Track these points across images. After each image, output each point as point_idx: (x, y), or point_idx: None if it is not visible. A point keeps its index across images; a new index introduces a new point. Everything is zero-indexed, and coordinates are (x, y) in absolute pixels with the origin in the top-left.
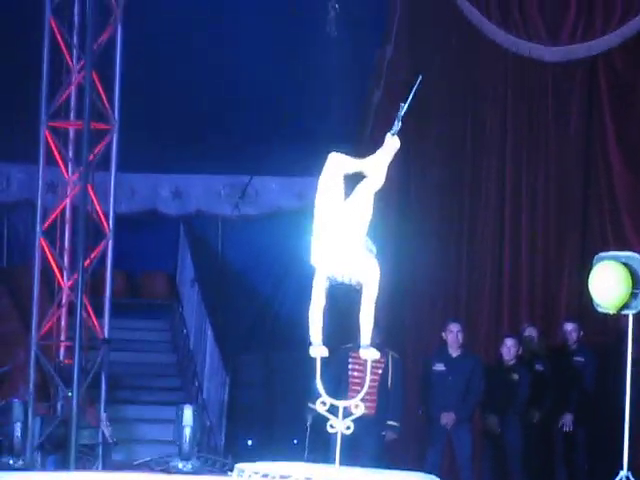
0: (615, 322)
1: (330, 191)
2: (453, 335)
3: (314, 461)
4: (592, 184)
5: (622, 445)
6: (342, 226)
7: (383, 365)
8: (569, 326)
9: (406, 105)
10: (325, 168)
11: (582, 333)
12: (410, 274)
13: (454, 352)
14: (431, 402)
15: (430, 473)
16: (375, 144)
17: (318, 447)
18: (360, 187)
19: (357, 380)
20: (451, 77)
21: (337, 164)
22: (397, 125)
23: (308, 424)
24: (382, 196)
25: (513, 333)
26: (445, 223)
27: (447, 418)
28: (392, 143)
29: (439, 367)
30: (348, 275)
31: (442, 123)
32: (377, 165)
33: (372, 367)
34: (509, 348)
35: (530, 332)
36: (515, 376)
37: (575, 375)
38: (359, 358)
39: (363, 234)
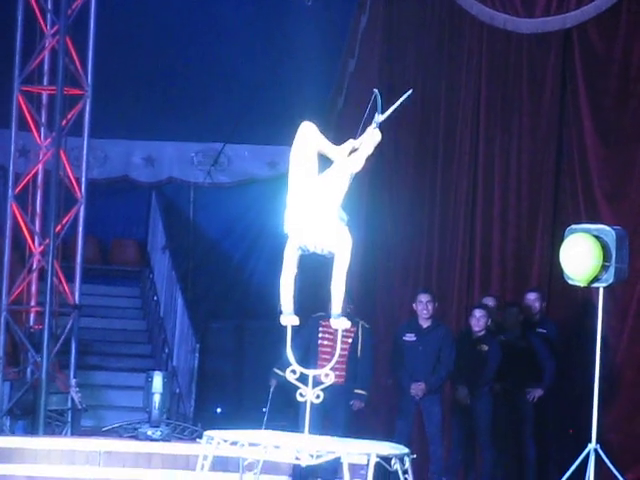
0: (585, 295)
1: (303, 160)
2: (423, 305)
3: (283, 428)
4: (565, 156)
5: (590, 419)
6: (315, 196)
7: (353, 334)
8: (532, 296)
9: (391, 110)
10: (297, 137)
11: (545, 304)
12: (382, 244)
13: (424, 323)
14: (401, 372)
15: (399, 443)
16: (348, 113)
17: (287, 414)
18: (337, 165)
19: (327, 349)
20: (426, 48)
21: (309, 134)
22: (379, 117)
23: (271, 389)
24: (353, 183)
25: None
26: (417, 194)
27: (417, 389)
28: (374, 137)
29: (409, 337)
30: (320, 245)
31: (416, 95)
32: (356, 155)
33: (342, 336)
34: (478, 319)
35: (486, 302)
36: (484, 347)
37: (538, 346)
38: (329, 327)
39: (337, 205)
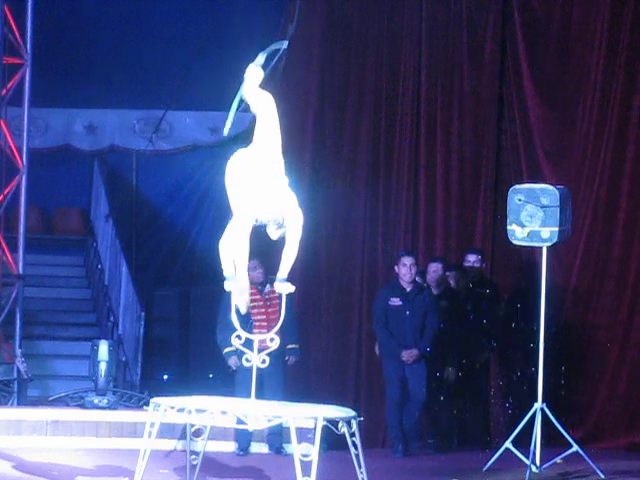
0: (529, 254)
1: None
2: (407, 268)
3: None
4: (506, 117)
5: (536, 377)
6: (261, 172)
7: (278, 296)
8: (472, 257)
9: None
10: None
11: (484, 265)
12: (325, 207)
13: (407, 286)
14: (387, 338)
15: (391, 409)
16: (289, 77)
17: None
18: (259, 135)
19: (258, 316)
20: (365, 10)
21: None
22: (261, 58)
23: (234, 369)
24: (298, 136)
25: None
26: (359, 158)
27: (409, 355)
28: (253, 73)
29: (395, 302)
30: (275, 216)
31: (357, 57)
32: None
33: (268, 300)
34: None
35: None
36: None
37: (481, 307)
38: (256, 294)
39: (280, 173)
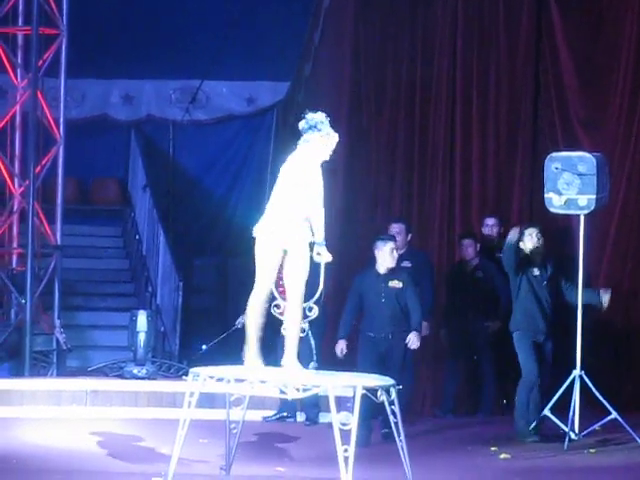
0: (566, 223)
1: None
2: (533, 239)
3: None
4: (542, 86)
5: (571, 346)
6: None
7: None
8: (490, 221)
9: None
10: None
11: (503, 229)
12: (361, 179)
13: (538, 257)
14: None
15: (526, 389)
16: (325, 48)
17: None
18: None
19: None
20: None
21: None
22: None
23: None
24: (335, 103)
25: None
26: (394, 131)
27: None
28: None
29: (535, 272)
30: None
31: (394, 32)
32: None
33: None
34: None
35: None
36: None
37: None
38: None
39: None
